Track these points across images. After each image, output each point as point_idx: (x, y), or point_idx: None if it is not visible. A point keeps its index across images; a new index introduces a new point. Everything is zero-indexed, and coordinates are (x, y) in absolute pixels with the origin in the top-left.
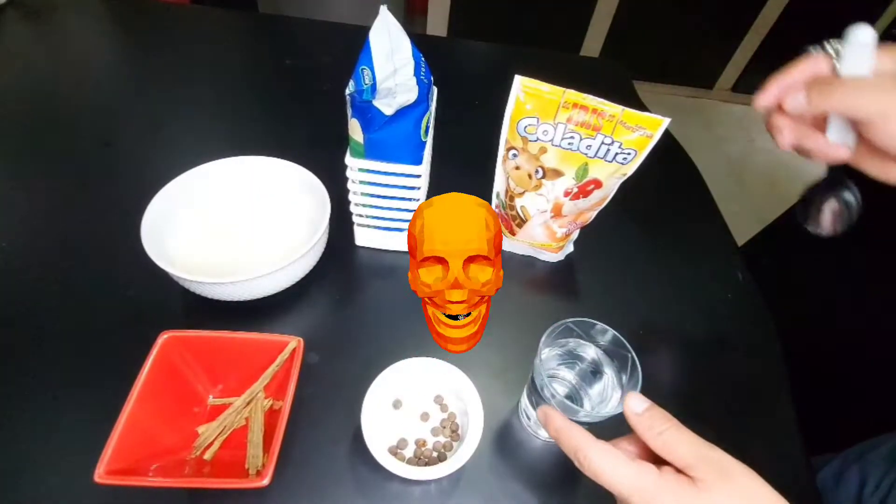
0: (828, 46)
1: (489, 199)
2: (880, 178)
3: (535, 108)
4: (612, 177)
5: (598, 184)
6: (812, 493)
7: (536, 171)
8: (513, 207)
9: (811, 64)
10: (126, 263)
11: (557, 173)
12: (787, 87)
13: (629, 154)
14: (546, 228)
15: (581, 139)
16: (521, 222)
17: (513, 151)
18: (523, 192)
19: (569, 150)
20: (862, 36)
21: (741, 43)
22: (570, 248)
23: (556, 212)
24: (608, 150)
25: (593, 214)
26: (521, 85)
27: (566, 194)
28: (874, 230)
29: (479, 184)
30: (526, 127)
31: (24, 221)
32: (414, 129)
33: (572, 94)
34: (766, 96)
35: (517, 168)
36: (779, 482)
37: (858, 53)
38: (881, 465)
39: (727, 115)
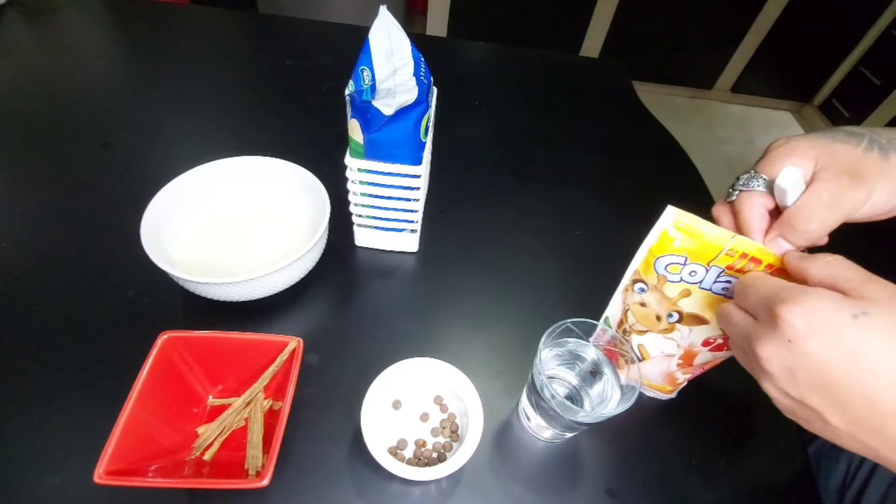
0: (743, 182)
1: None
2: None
3: (686, 248)
4: None
5: None
6: (805, 463)
7: (670, 315)
8: (626, 342)
9: (755, 204)
10: (126, 264)
11: (699, 320)
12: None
13: None
14: (667, 375)
15: None
16: (634, 360)
17: (640, 286)
18: (645, 332)
19: (722, 295)
20: (794, 176)
21: (741, 43)
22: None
23: (687, 360)
24: None
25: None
26: (675, 220)
27: (706, 344)
28: (875, 230)
29: (479, 183)
30: (668, 266)
31: (24, 221)
32: (414, 130)
33: (742, 243)
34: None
35: (642, 305)
36: (774, 451)
37: (793, 182)
38: None
39: (727, 115)
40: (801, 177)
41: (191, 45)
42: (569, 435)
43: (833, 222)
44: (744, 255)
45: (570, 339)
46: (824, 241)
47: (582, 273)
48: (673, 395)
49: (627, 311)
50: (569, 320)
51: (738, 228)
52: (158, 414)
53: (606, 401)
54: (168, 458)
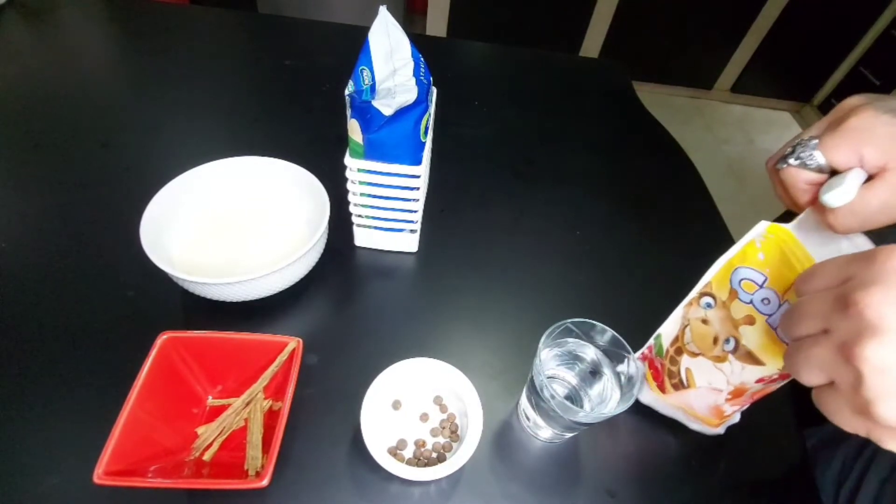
0: (795, 156)
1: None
2: None
3: (769, 263)
4: None
5: None
6: (803, 459)
7: (727, 341)
8: (675, 362)
9: (799, 180)
10: (126, 264)
11: (754, 360)
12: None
13: None
14: (713, 408)
15: None
16: (679, 386)
17: (708, 300)
18: (697, 354)
19: (783, 340)
20: (856, 182)
21: (741, 43)
22: (736, 419)
23: (736, 395)
24: None
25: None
26: (767, 232)
27: (759, 381)
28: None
29: (479, 183)
30: (743, 281)
31: (24, 221)
32: (413, 130)
33: None
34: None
35: (704, 321)
36: (773, 448)
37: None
38: (852, 444)
39: (727, 115)
40: (861, 182)
41: (191, 45)
42: (568, 435)
43: (874, 225)
44: None
45: (570, 339)
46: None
47: (581, 273)
48: (720, 431)
49: (686, 326)
50: (569, 320)
51: (782, 198)
52: (158, 414)
53: (606, 401)
54: (168, 458)
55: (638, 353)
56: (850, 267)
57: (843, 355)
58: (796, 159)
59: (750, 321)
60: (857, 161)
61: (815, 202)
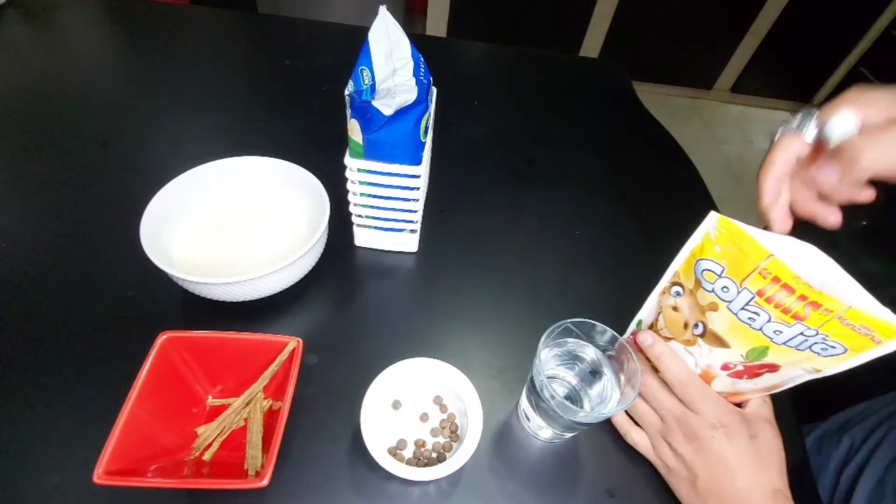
0: (797, 124)
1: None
2: None
3: (725, 255)
4: (796, 365)
5: (773, 368)
6: (802, 456)
7: (696, 326)
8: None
9: (790, 149)
10: (126, 264)
11: (720, 342)
12: (781, 179)
13: (833, 348)
14: None
15: (769, 321)
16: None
17: (677, 289)
18: (670, 339)
19: (746, 325)
20: (847, 124)
21: (740, 44)
22: None
23: (704, 378)
24: (805, 340)
25: (755, 397)
26: (718, 224)
27: (724, 368)
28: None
29: (479, 183)
30: (704, 271)
31: (24, 221)
32: (413, 130)
33: (778, 266)
34: (770, 195)
35: (674, 309)
36: None
37: (846, 130)
38: (864, 430)
39: (726, 115)
40: (856, 125)
41: (191, 45)
42: (568, 435)
43: (885, 164)
44: (776, 280)
45: (570, 339)
46: (864, 196)
47: (581, 273)
48: None
49: (660, 314)
50: (568, 320)
51: (763, 211)
52: (158, 414)
53: (606, 401)
54: (167, 458)
55: (624, 336)
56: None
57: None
58: (792, 126)
59: (714, 307)
60: (858, 121)
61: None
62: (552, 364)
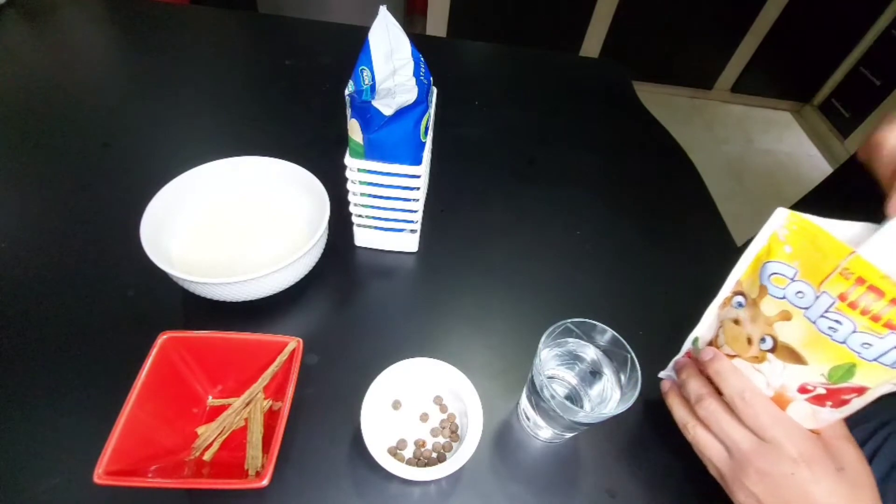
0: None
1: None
2: None
3: (798, 255)
4: (886, 383)
5: (861, 391)
6: None
7: (762, 340)
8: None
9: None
10: (126, 264)
11: (795, 357)
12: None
13: None
14: None
15: (854, 331)
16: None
17: (738, 299)
18: (734, 356)
19: (827, 336)
20: None
21: (741, 43)
22: None
23: (778, 402)
24: None
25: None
26: (788, 221)
27: (802, 391)
28: None
29: (479, 183)
30: (773, 276)
31: (24, 221)
32: (413, 130)
33: (861, 264)
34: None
35: (736, 322)
36: None
37: None
38: (865, 432)
39: (726, 115)
40: None
41: (191, 45)
42: (569, 435)
43: None
44: (860, 281)
45: (570, 339)
46: None
47: (581, 273)
48: None
49: (721, 328)
50: (568, 320)
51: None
52: (158, 414)
53: (606, 401)
54: (168, 458)
55: (679, 356)
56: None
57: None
58: None
59: (786, 317)
60: None
61: None
62: (552, 364)
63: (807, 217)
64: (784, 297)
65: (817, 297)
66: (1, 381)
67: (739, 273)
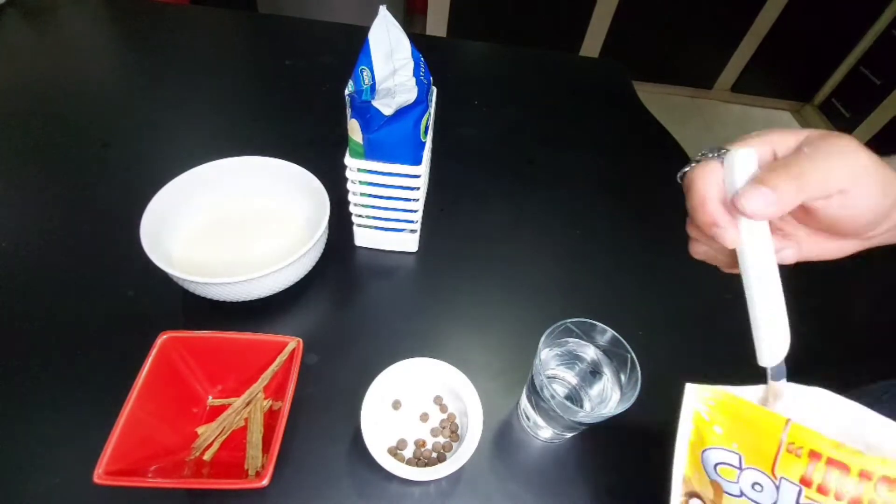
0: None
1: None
2: (817, 258)
3: (732, 435)
4: None
5: None
6: None
7: None
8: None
9: (711, 177)
10: (126, 264)
11: None
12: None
13: None
14: None
15: None
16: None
17: (696, 502)
18: None
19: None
20: (747, 158)
21: (740, 43)
22: None
23: None
24: None
25: None
26: (701, 397)
27: None
28: None
29: (479, 183)
30: (718, 466)
31: (24, 221)
32: (413, 130)
33: (804, 433)
34: (720, 216)
35: None
36: None
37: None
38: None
39: (727, 115)
40: (755, 161)
41: (191, 45)
42: (569, 435)
43: (793, 192)
44: (815, 456)
45: (570, 339)
46: (791, 258)
47: (581, 273)
48: None
49: None
50: (568, 320)
51: (692, 205)
52: (158, 414)
53: (606, 401)
54: (168, 458)
55: None
56: None
57: None
58: (700, 157)
59: None
60: (769, 153)
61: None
62: (552, 364)
63: (720, 389)
64: (742, 495)
65: (778, 488)
66: (1, 381)
67: (680, 470)
